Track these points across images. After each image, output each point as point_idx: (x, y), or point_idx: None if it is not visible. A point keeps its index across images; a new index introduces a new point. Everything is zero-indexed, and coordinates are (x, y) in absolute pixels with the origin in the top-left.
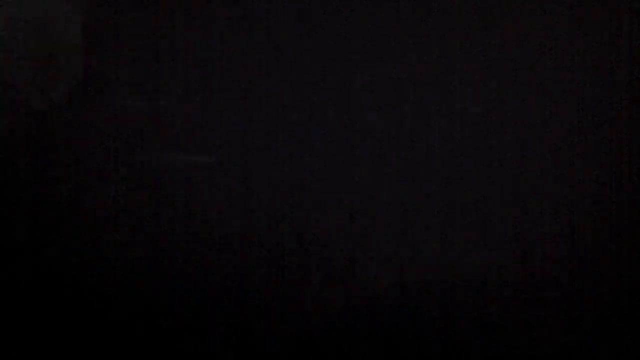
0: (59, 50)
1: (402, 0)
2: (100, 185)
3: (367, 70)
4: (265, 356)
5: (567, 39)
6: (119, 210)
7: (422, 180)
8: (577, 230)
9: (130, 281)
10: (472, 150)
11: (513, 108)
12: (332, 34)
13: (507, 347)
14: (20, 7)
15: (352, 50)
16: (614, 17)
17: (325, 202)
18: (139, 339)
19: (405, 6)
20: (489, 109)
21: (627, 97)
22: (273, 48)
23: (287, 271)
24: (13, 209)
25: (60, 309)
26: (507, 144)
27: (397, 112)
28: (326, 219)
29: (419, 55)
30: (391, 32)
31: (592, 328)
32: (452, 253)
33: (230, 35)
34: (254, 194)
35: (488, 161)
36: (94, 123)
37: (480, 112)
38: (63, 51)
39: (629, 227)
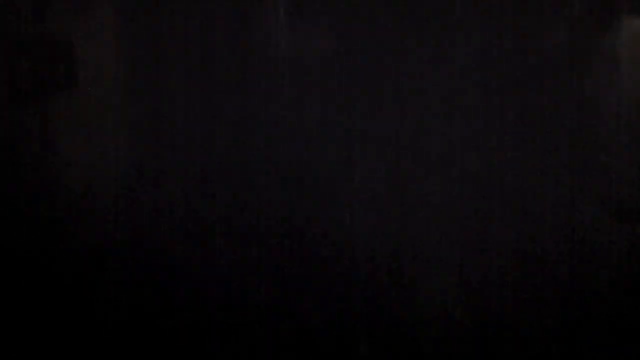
0: None
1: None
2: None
3: (368, 71)
4: (265, 356)
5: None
6: (118, 210)
7: (422, 180)
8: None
9: (131, 280)
10: (472, 151)
11: (514, 108)
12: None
13: (507, 346)
14: None
15: (352, 50)
16: None
17: (325, 201)
18: (139, 339)
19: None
20: (489, 108)
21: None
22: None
23: (287, 271)
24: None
25: (59, 309)
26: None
27: (397, 111)
28: (326, 218)
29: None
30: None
31: (592, 328)
32: (452, 253)
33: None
34: (254, 193)
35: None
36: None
37: (482, 112)
38: None
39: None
